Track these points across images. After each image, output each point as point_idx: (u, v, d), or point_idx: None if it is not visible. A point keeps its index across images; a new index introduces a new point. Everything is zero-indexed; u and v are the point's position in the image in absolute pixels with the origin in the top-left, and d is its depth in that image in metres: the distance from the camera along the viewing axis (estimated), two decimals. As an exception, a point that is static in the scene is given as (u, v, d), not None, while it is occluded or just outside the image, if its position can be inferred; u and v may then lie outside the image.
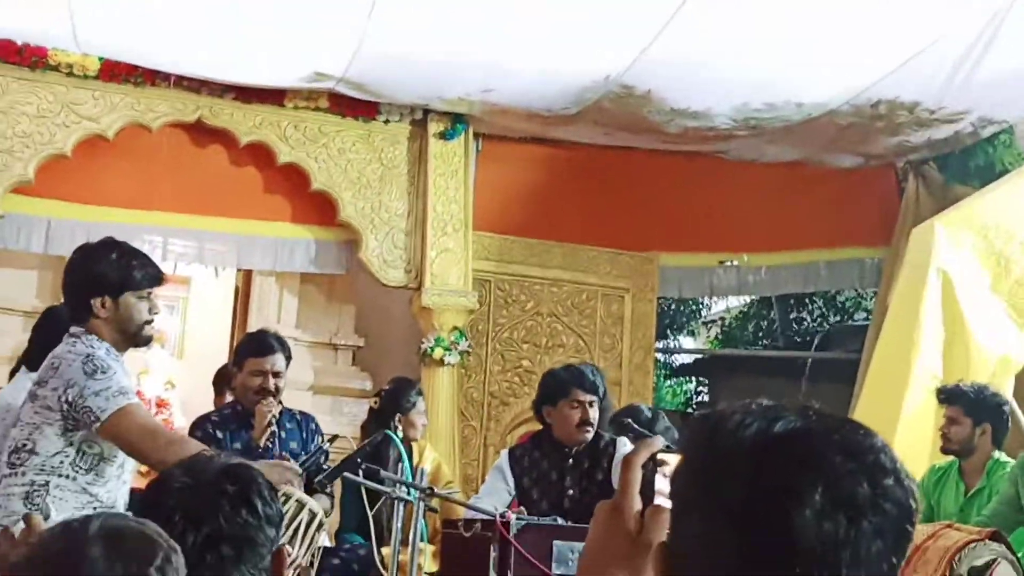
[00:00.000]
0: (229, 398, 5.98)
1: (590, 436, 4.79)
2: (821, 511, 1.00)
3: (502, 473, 4.86)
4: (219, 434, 4.76)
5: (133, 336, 3.60)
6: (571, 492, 4.77)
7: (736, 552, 1.02)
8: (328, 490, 3.87)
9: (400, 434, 5.26)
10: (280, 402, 4.88)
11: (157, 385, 8.44)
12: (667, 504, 1.30)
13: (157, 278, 3.66)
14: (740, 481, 1.03)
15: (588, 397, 4.78)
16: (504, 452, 5.06)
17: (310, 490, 3.64)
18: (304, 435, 4.91)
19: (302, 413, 5.11)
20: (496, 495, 4.76)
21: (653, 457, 1.32)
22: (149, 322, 3.63)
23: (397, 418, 5.36)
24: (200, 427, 4.83)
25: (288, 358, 4.96)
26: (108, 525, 1.64)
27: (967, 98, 6.97)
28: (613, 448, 4.79)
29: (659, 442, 1.24)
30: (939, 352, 6.30)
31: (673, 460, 4.83)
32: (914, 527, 1.05)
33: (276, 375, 4.85)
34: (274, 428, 4.77)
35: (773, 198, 8.33)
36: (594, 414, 4.78)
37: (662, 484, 4.63)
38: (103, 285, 3.53)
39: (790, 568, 1.00)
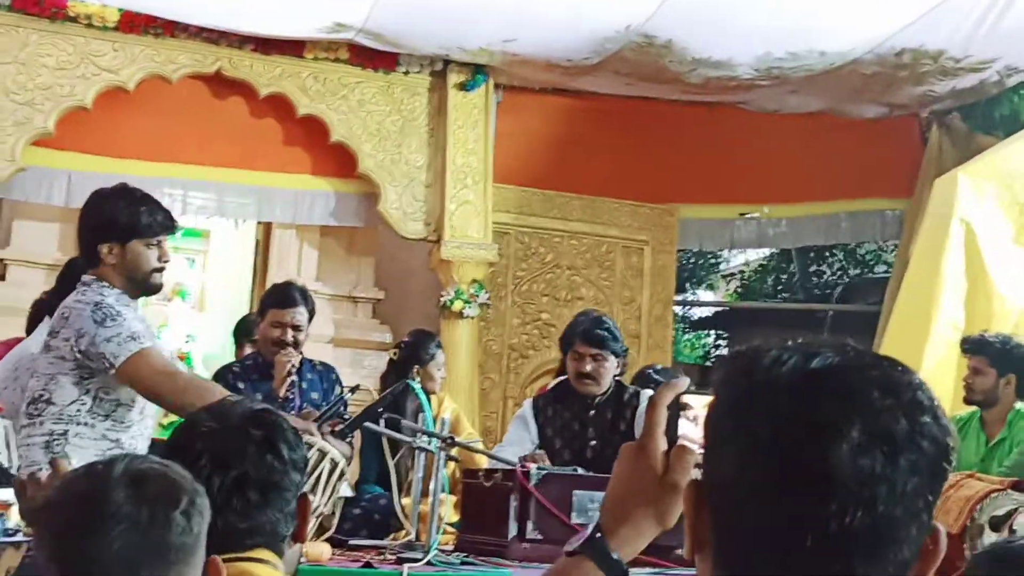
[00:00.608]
0: (249, 349, 6.01)
1: (592, 389, 4.75)
2: (858, 446, 0.99)
3: (525, 422, 4.87)
4: (240, 384, 4.77)
5: (141, 283, 3.60)
6: (593, 442, 4.77)
7: (771, 487, 1.02)
8: (349, 439, 3.88)
9: (419, 386, 5.28)
10: (301, 353, 4.89)
11: (178, 338, 8.48)
12: (691, 446, 1.30)
13: (167, 226, 3.64)
14: (777, 416, 1.02)
15: (589, 350, 4.74)
16: (527, 401, 5.06)
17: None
18: (325, 385, 4.93)
19: (323, 364, 5.12)
20: (519, 444, 4.76)
21: (677, 399, 1.31)
22: (159, 270, 3.62)
23: (415, 369, 5.36)
24: (221, 378, 4.85)
25: (311, 312, 4.96)
26: (132, 468, 1.65)
27: (993, 47, 6.88)
28: (637, 400, 4.78)
29: (683, 383, 1.23)
30: (961, 303, 6.27)
31: (696, 403, 4.82)
32: (951, 465, 1.04)
33: (296, 328, 4.84)
34: (294, 379, 4.78)
35: (794, 149, 8.27)
36: (594, 367, 4.74)
37: (687, 426, 4.65)
38: (111, 231, 3.54)
39: (826, 503, 0.99)
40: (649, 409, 1.30)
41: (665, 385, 1.32)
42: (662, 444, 1.29)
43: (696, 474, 1.18)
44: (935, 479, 1.03)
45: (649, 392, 4.72)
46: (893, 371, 1.06)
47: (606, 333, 4.78)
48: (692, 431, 4.77)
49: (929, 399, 1.05)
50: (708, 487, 1.09)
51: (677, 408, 1.32)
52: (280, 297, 4.95)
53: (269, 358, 4.83)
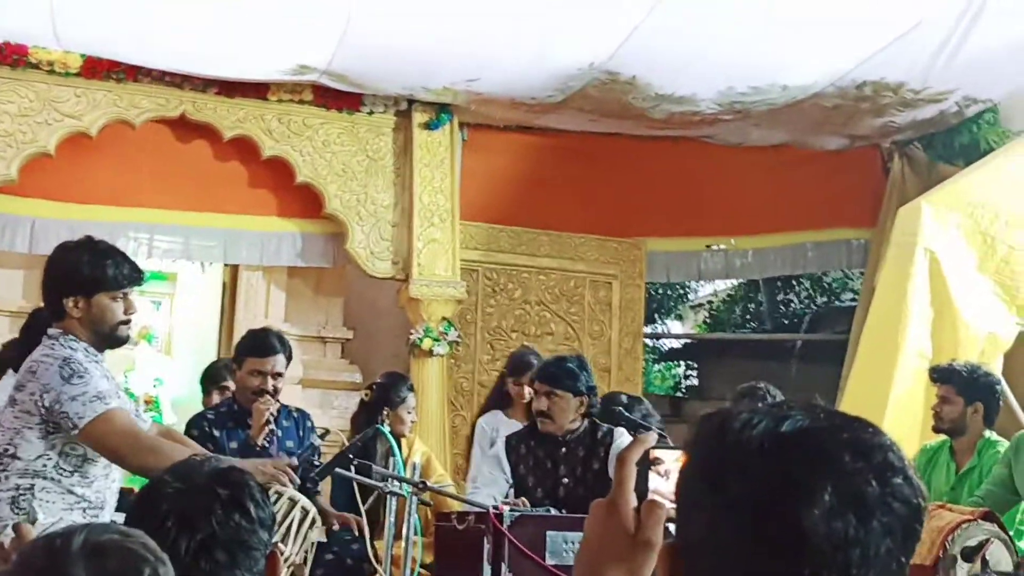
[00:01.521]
0: (216, 397, 5.97)
1: (549, 427, 4.78)
2: (830, 510, 1.00)
3: (499, 461, 4.86)
4: (216, 432, 4.73)
5: (107, 336, 3.58)
6: (566, 480, 4.77)
7: (744, 550, 1.01)
8: (319, 489, 3.86)
9: (387, 428, 5.25)
10: (279, 400, 4.85)
11: (145, 382, 8.41)
12: (662, 501, 1.29)
13: (133, 278, 3.62)
14: (748, 480, 1.02)
15: (543, 387, 4.79)
16: (500, 441, 5.03)
17: (303, 491, 3.62)
18: (300, 433, 4.89)
19: (298, 410, 5.08)
20: (495, 485, 4.76)
21: (647, 454, 1.31)
22: (125, 322, 3.60)
23: (385, 412, 5.35)
24: (196, 425, 4.81)
25: (289, 358, 4.92)
26: (91, 540, 1.59)
27: (951, 78, 6.97)
28: (611, 438, 4.79)
29: (652, 438, 1.23)
30: (927, 331, 6.33)
31: (667, 457, 4.84)
32: (922, 526, 1.05)
33: (276, 376, 4.80)
34: (272, 427, 4.73)
35: (759, 181, 8.32)
36: (548, 405, 4.76)
37: (656, 481, 4.64)
38: (75, 285, 3.51)
39: (799, 567, 0.99)
40: (618, 466, 1.30)
41: (634, 441, 1.32)
42: (632, 501, 1.28)
43: (670, 528, 1.17)
44: (907, 540, 1.03)
45: (623, 431, 4.73)
46: (863, 433, 1.06)
47: (560, 372, 4.80)
48: (663, 485, 4.78)
49: (900, 460, 1.05)
50: (681, 548, 1.09)
51: (647, 463, 1.32)
52: (259, 345, 4.90)
53: (246, 405, 4.79)
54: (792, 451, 1.03)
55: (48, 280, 3.61)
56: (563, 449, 4.82)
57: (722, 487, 1.04)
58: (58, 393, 3.37)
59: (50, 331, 3.55)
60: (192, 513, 1.94)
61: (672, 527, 1.15)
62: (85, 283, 3.51)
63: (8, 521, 3.30)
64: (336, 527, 4.69)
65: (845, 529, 0.99)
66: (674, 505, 1.19)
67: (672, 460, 5.06)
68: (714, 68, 6.80)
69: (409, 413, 5.47)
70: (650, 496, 1.30)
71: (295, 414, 4.98)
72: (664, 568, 1.12)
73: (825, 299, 11.85)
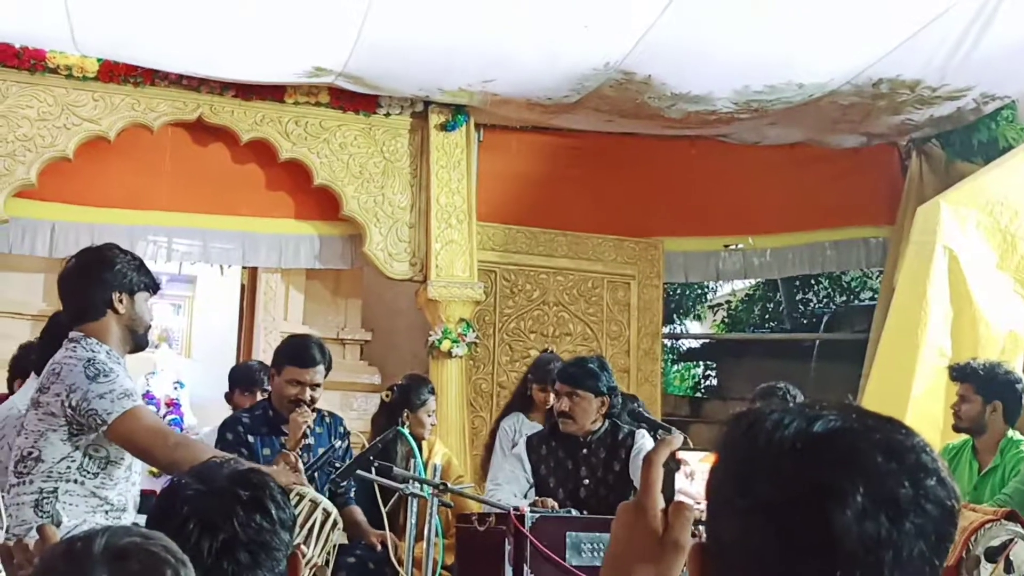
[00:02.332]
0: (242, 398, 5.96)
1: (570, 428, 4.77)
2: (862, 511, 0.99)
3: (520, 461, 4.86)
4: (250, 438, 4.68)
5: (140, 337, 3.66)
6: (587, 481, 4.76)
7: (775, 553, 1.01)
8: (351, 495, 3.83)
9: (407, 430, 5.25)
10: (316, 411, 4.79)
11: (166, 384, 8.44)
12: (689, 502, 1.29)
13: (158, 285, 3.75)
14: (779, 481, 1.02)
15: (564, 388, 4.79)
16: (522, 441, 5.03)
17: (334, 498, 3.61)
18: (332, 439, 4.83)
19: (331, 414, 5.03)
20: (515, 483, 4.76)
21: (673, 455, 1.30)
22: (150, 327, 3.72)
23: (405, 414, 5.34)
24: (231, 428, 4.75)
25: (328, 368, 4.83)
26: (113, 544, 1.59)
27: (969, 74, 6.94)
28: (632, 440, 4.77)
29: (678, 440, 1.23)
30: (947, 330, 6.29)
31: (692, 458, 4.81)
32: (956, 528, 1.04)
33: (314, 387, 4.75)
34: (309, 440, 4.64)
35: (776, 180, 8.31)
36: (570, 405, 4.75)
37: (683, 482, 4.64)
38: (124, 282, 3.59)
39: (831, 569, 0.98)
40: (645, 468, 1.29)
41: (660, 443, 1.32)
42: (660, 503, 1.28)
43: (699, 530, 1.17)
44: (941, 542, 1.02)
45: (644, 432, 4.72)
46: (896, 434, 1.05)
47: (581, 372, 4.79)
48: (688, 487, 4.78)
49: (933, 461, 1.04)
50: (712, 549, 1.08)
51: (672, 465, 1.31)
52: (300, 355, 4.79)
53: (282, 411, 4.72)
54: (824, 452, 1.02)
55: (90, 280, 3.61)
56: (584, 450, 4.81)
57: (753, 488, 1.03)
58: (85, 392, 3.39)
59: (72, 335, 3.57)
60: (214, 515, 1.94)
61: (699, 528, 1.15)
62: (133, 281, 3.61)
63: (31, 524, 3.32)
64: (379, 546, 4.64)
65: (877, 531, 0.99)
66: (700, 505, 1.19)
67: (697, 461, 5.07)
68: (730, 67, 6.79)
69: (429, 416, 5.46)
70: (677, 497, 1.29)
71: (327, 419, 4.93)
72: (695, 569, 1.11)
73: (844, 298, 11.80)
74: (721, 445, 1.10)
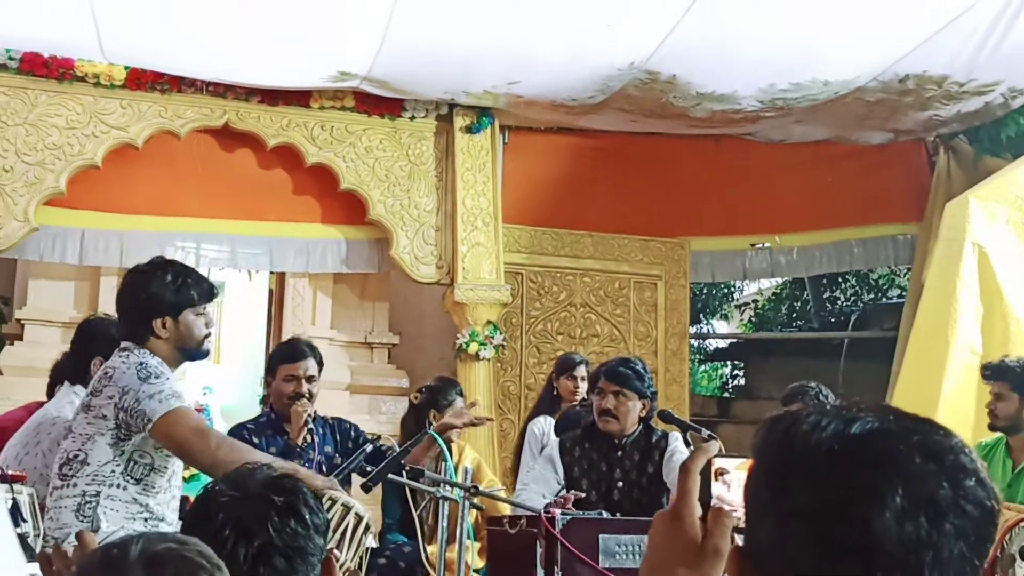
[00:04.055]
0: None
1: (613, 427, 4.76)
2: (902, 513, 0.98)
3: (551, 461, 4.86)
4: (255, 440, 4.77)
5: (194, 351, 3.70)
6: (620, 483, 4.76)
7: (813, 556, 1.00)
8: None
9: (433, 430, 5.28)
10: (312, 403, 4.89)
11: (195, 390, 8.48)
12: (728, 508, 1.28)
13: (212, 293, 3.74)
14: (818, 483, 1.01)
15: (611, 387, 4.77)
16: (554, 441, 5.02)
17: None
18: (338, 437, 4.91)
19: (334, 418, 5.12)
20: (544, 483, 4.76)
21: (709, 463, 1.30)
22: (207, 336, 3.72)
23: (432, 415, 5.37)
24: (237, 434, 4.83)
25: (320, 363, 4.98)
26: (148, 550, 1.60)
27: (996, 69, 6.89)
28: (665, 443, 4.76)
29: (715, 448, 1.22)
30: (978, 327, 6.26)
31: (728, 465, 4.78)
32: (996, 528, 1.03)
33: (309, 379, 4.88)
34: (311, 426, 4.79)
35: (802, 178, 8.28)
36: (615, 405, 4.74)
37: (719, 489, 4.62)
38: (164, 306, 3.60)
39: (871, 571, 0.98)
40: (682, 475, 1.29)
41: (697, 450, 1.31)
42: (698, 510, 1.27)
43: (737, 537, 1.17)
44: (981, 543, 1.01)
45: (677, 435, 4.70)
46: (934, 435, 1.05)
47: (629, 372, 4.79)
48: (725, 493, 4.77)
49: (972, 462, 1.04)
50: (750, 553, 1.08)
51: (709, 472, 1.31)
52: (288, 352, 5.01)
53: (284, 411, 4.84)
54: (862, 454, 1.02)
55: (131, 304, 3.66)
56: (619, 452, 4.80)
57: (790, 492, 1.03)
58: (137, 392, 3.45)
59: (124, 344, 3.63)
60: (249, 521, 1.95)
61: (739, 536, 1.15)
62: (172, 304, 3.60)
63: (71, 527, 3.35)
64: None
65: (917, 532, 0.98)
66: (738, 512, 1.18)
67: (734, 468, 5.06)
68: (755, 65, 6.77)
69: (457, 417, 5.46)
70: (714, 504, 1.29)
71: (330, 422, 5.02)
72: (734, 573, 1.11)
73: (872, 296, 11.74)
74: (758, 449, 1.10)
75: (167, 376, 3.54)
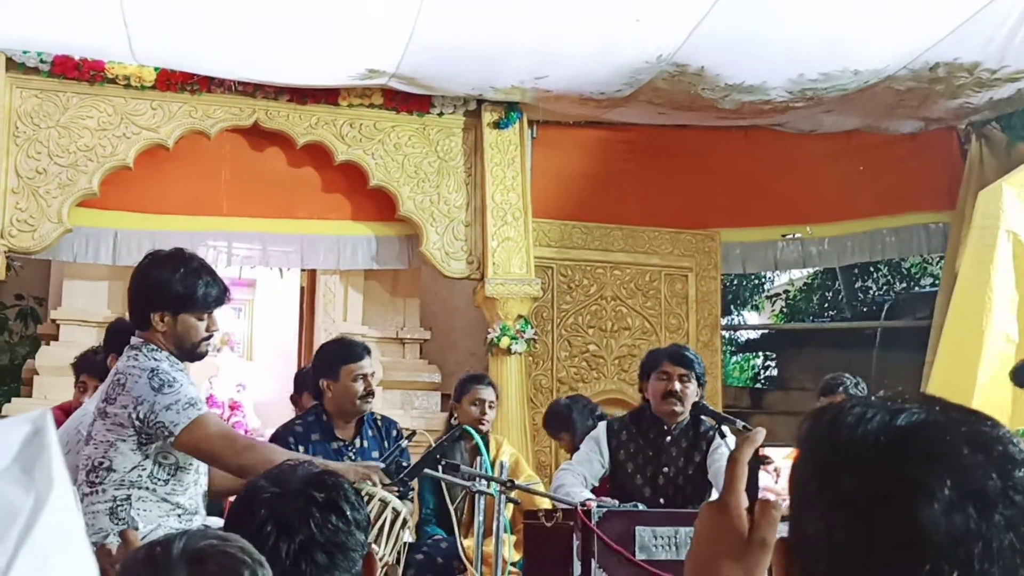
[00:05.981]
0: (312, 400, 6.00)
1: (678, 409, 4.74)
2: (950, 505, 0.98)
3: (597, 445, 4.84)
4: (300, 448, 4.66)
5: (188, 352, 3.60)
6: (666, 469, 4.75)
7: (860, 548, 1.00)
8: (410, 495, 3.81)
9: (455, 421, 5.31)
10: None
11: (228, 387, 8.54)
12: (775, 499, 1.28)
13: (220, 299, 3.62)
14: (864, 475, 1.01)
15: (677, 370, 4.75)
16: (601, 424, 5.03)
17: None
18: (385, 443, 4.83)
19: (384, 418, 5.04)
20: (587, 465, 4.76)
21: (756, 452, 1.30)
22: (206, 339, 3.63)
23: (451, 407, 5.43)
24: (283, 436, 4.73)
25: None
26: (191, 547, 1.62)
27: (1029, 55, 6.83)
28: (714, 434, 4.74)
29: (760, 435, 1.22)
30: (1013, 315, 6.21)
31: (775, 455, 4.75)
32: None
33: (372, 375, 4.81)
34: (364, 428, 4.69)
35: (833, 168, 8.24)
36: (680, 387, 4.74)
37: (766, 479, 4.61)
38: (164, 301, 3.52)
39: (919, 564, 0.98)
40: (730, 466, 1.28)
41: (744, 440, 1.31)
42: (744, 500, 1.27)
43: (783, 528, 1.17)
44: None
45: (726, 430, 4.69)
46: (982, 426, 1.04)
47: (693, 357, 4.82)
48: (771, 483, 4.75)
49: (1020, 452, 1.03)
50: (796, 545, 1.08)
51: (756, 462, 1.30)
52: (351, 352, 4.79)
53: (350, 410, 4.71)
54: (909, 446, 1.02)
55: (136, 292, 3.62)
56: (668, 438, 4.80)
57: (836, 484, 1.03)
58: (152, 404, 3.41)
59: (133, 340, 3.59)
60: (290, 517, 1.96)
61: (785, 527, 1.14)
62: (173, 301, 3.53)
63: (108, 531, 3.37)
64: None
65: (965, 523, 0.98)
66: (786, 503, 1.18)
67: (781, 458, 5.05)
68: (783, 55, 6.73)
69: (474, 405, 5.41)
70: (761, 495, 1.29)
71: (379, 422, 4.92)
72: (779, 565, 1.11)
73: (904, 285, 11.66)
74: (803, 440, 1.10)
75: (180, 382, 3.47)
